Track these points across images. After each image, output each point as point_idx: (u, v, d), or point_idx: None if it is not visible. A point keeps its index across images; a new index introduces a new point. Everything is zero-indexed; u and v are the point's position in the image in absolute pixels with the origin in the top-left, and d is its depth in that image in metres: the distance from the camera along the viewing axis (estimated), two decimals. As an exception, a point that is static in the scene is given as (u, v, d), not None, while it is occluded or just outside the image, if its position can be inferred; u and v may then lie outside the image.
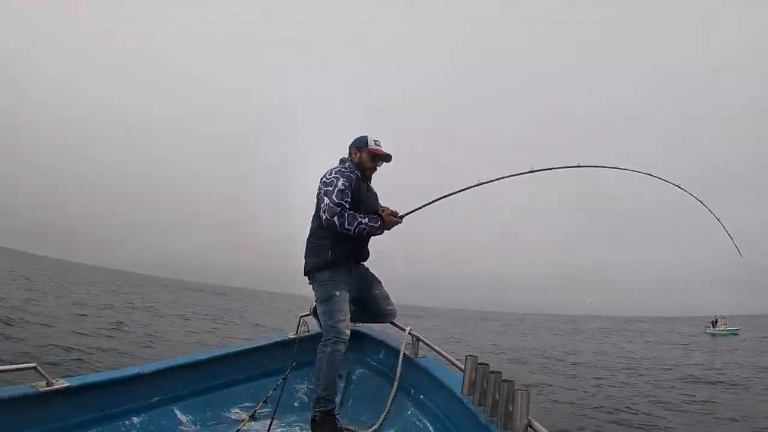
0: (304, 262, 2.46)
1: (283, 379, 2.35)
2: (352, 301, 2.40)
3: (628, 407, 7.25)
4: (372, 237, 2.45)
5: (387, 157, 2.48)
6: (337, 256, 2.33)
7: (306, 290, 2.51)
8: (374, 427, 2.15)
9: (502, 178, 2.60)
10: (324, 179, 2.35)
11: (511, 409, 1.46)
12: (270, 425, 1.83)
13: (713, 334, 37.65)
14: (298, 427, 2.11)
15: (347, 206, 2.27)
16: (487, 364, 1.75)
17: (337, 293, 2.31)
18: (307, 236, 2.48)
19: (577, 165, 2.66)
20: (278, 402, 2.14)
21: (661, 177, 2.78)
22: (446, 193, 2.54)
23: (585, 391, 8.21)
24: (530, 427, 1.41)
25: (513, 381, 1.56)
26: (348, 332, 2.28)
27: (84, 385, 1.67)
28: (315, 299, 2.46)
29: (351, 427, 2.12)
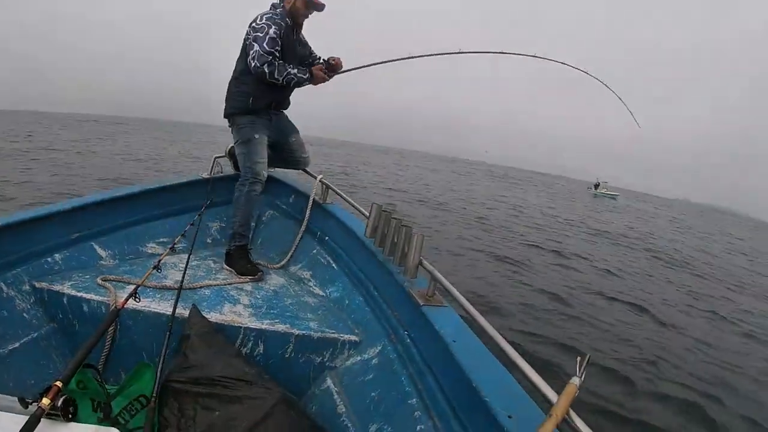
0: (224, 104, 2.41)
1: (199, 215, 2.43)
2: (269, 147, 2.44)
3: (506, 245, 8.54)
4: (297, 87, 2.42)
5: (320, 6, 2.34)
6: (258, 104, 2.33)
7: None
8: (282, 263, 2.36)
9: (431, 55, 2.78)
10: (254, 24, 2.22)
11: (406, 250, 1.69)
12: (188, 258, 1.95)
13: (594, 195, 44.75)
14: (211, 261, 2.26)
15: (277, 55, 2.21)
16: (389, 211, 1.95)
17: (256, 136, 2.34)
18: (229, 79, 2.40)
19: (501, 51, 2.86)
20: (195, 237, 2.25)
21: (572, 65, 3.07)
22: (378, 61, 2.71)
23: (469, 233, 9.33)
24: (420, 265, 1.64)
25: (411, 226, 1.79)
26: (265, 174, 2.37)
27: (5, 224, 1.63)
28: (233, 141, 2.48)
29: (261, 262, 2.31)
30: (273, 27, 2.19)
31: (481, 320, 1.25)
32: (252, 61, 2.17)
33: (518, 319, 4.54)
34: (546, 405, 0.91)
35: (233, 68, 2.39)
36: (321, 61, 2.57)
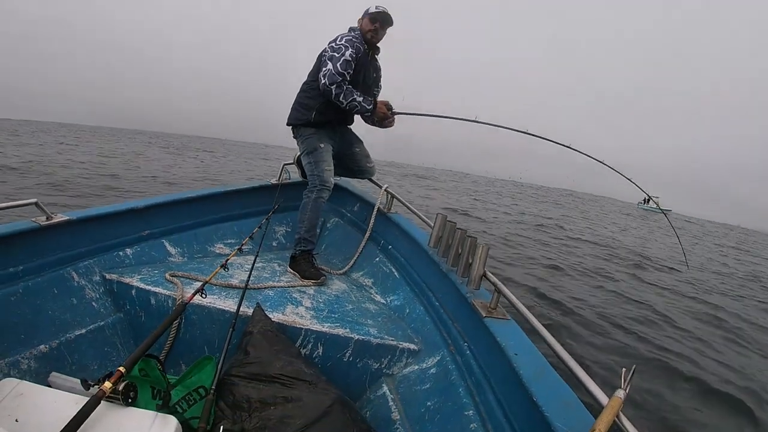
0: (289, 113, 2.50)
1: (267, 219, 2.51)
2: (334, 157, 2.49)
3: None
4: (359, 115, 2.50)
5: (385, 17, 2.36)
6: (321, 118, 2.40)
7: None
8: (345, 269, 2.38)
9: (489, 124, 2.57)
10: (333, 44, 2.31)
11: (470, 261, 1.63)
12: (254, 259, 2.00)
13: (645, 209, 45.76)
14: (276, 263, 2.31)
15: (348, 78, 2.27)
16: (454, 222, 1.90)
17: (321, 145, 2.40)
18: (299, 89, 2.49)
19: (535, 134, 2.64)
20: (262, 240, 2.31)
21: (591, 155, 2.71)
22: (443, 115, 2.64)
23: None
24: (485, 276, 1.58)
25: (476, 237, 1.72)
26: (332, 181, 2.40)
27: (82, 218, 1.75)
28: (299, 151, 2.54)
29: (325, 268, 2.32)
30: (350, 50, 2.26)
31: (545, 334, 1.19)
32: (323, 78, 2.24)
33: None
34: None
35: (304, 79, 2.47)
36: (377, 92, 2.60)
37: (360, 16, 2.42)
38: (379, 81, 2.63)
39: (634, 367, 0.93)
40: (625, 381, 0.90)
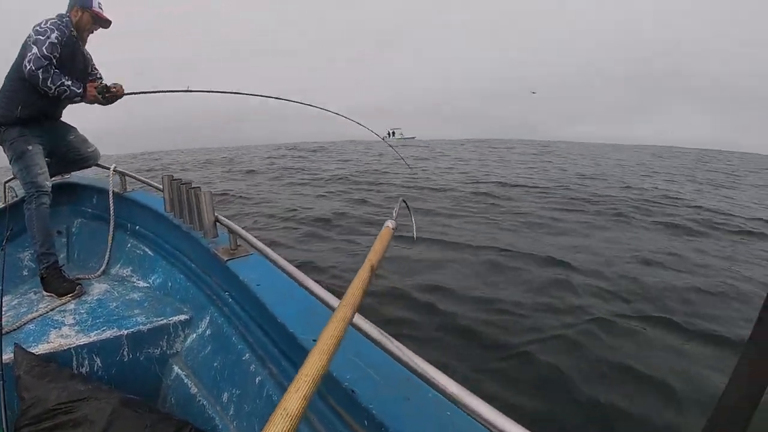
0: None
1: (2, 249, 2.19)
2: (50, 155, 2.30)
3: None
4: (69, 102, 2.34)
5: (106, 23, 2.35)
6: (26, 114, 2.19)
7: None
8: (101, 269, 2.27)
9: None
10: (37, 28, 2.09)
11: (201, 211, 1.72)
12: (0, 299, 1.80)
13: (393, 141, 49.33)
14: (32, 293, 2.11)
15: (54, 61, 2.09)
16: (179, 179, 1.94)
17: (30, 147, 2.19)
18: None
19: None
20: (3, 273, 2.05)
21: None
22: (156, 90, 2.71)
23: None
24: (218, 222, 1.70)
25: (199, 187, 1.80)
26: (49, 184, 2.21)
27: None
28: (7, 159, 2.26)
29: (81, 276, 2.20)
30: (56, 32, 2.12)
31: (282, 262, 1.26)
32: (27, 64, 2.03)
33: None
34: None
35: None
36: (100, 78, 2.48)
37: (76, 3, 2.27)
38: (91, 68, 2.46)
39: (401, 199, 1.02)
40: (396, 212, 0.98)
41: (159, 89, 2.74)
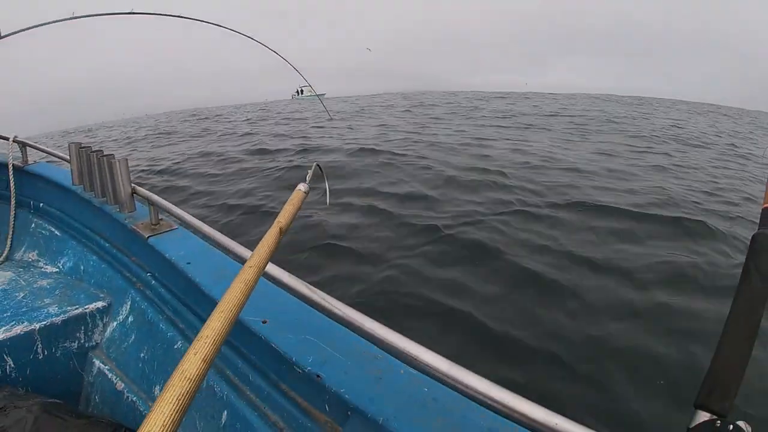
0: None
1: None
2: None
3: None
4: None
5: None
6: None
7: None
8: (4, 254, 1.98)
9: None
10: None
11: (115, 182, 1.49)
12: None
13: (300, 100, 50.41)
14: None
15: None
16: (89, 146, 1.67)
17: None
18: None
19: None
20: None
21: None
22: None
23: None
24: (135, 194, 1.49)
25: (112, 154, 1.55)
26: None
27: None
28: None
29: None
30: None
31: (216, 234, 1.14)
32: None
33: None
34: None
35: None
36: None
37: None
38: None
39: (315, 165, 0.99)
40: (308, 177, 0.94)
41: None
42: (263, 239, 0.70)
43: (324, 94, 59.73)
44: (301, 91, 59.34)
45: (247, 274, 0.62)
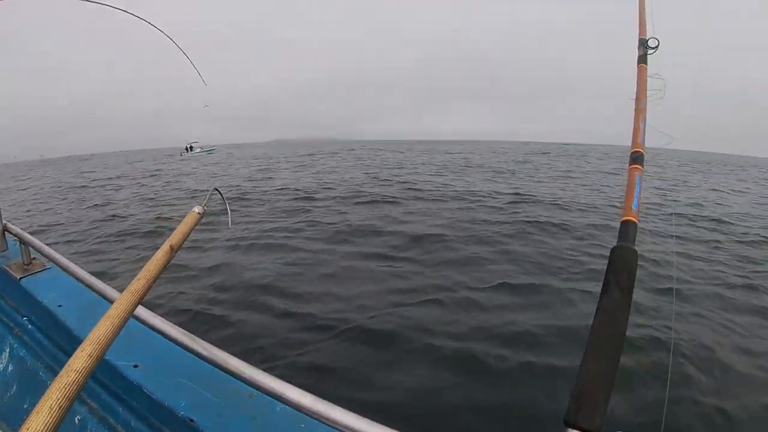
0: None
1: None
2: None
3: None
4: None
5: None
6: None
7: None
8: None
9: None
10: None
11: None
12: None
13: (189, 157, 42.82)
14: None
15: None
16: None
17: None
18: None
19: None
20: None
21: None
22: None
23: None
24: (6, 230, 1.37)
25: None
26: None
27: None
28: None
29: None
30: None
31: (82, 274, 1.08)
32: None
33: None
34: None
35: None
36: None
37: None
38: None
39: (213, 188, 1.00)
40: (206, 199, 0.95)
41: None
42: (154, 256, 0.71)
43: (214, 149, 57.84)
44: (191, 147, 51.21)
45: (125, 298, 0.63)
